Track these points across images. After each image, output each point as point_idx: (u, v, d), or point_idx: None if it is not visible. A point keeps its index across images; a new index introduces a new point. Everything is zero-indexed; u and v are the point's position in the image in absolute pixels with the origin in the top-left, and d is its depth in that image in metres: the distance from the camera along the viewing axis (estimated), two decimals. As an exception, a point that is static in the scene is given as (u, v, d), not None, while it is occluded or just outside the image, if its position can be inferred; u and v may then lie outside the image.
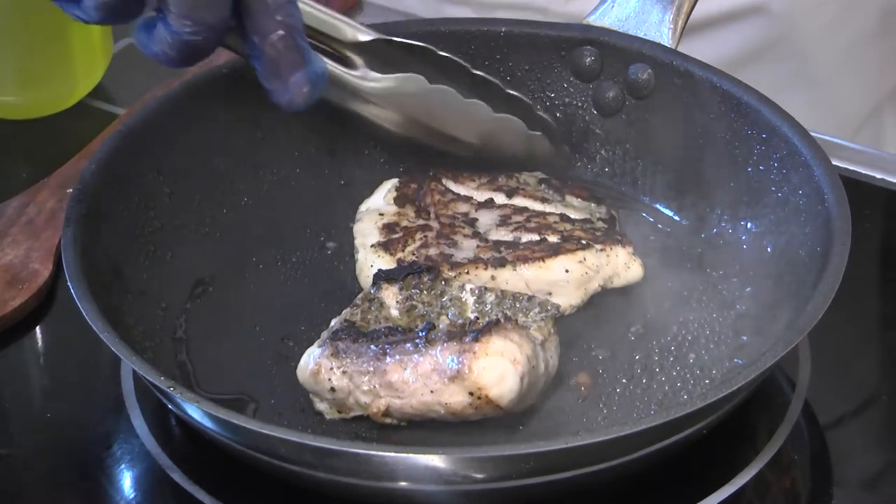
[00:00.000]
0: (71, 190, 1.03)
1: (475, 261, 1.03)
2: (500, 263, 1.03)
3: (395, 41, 1.10)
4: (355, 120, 1.12)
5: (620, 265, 1.05)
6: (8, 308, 1.09)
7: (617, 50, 1.15)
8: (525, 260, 1.03)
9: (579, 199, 1.12)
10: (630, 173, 1.17)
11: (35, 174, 1.23)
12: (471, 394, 0.94)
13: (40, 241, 1.14)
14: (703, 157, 1.12)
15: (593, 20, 1.17)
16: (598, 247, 1.05)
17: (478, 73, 1.13)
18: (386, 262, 1.05)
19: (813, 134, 1.06)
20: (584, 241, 1.05)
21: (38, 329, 1.10)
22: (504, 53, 1.18)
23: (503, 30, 1.18)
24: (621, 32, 1.15)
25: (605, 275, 1.05)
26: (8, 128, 1.33)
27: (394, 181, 1.14)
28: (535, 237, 1.06)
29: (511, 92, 1.14)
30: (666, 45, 1.14)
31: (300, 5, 0.99)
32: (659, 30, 1.14)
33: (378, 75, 1.10)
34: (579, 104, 1.18)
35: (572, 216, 1.09)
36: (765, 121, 1.08)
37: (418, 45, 1.11)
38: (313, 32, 1.07)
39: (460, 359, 0.94)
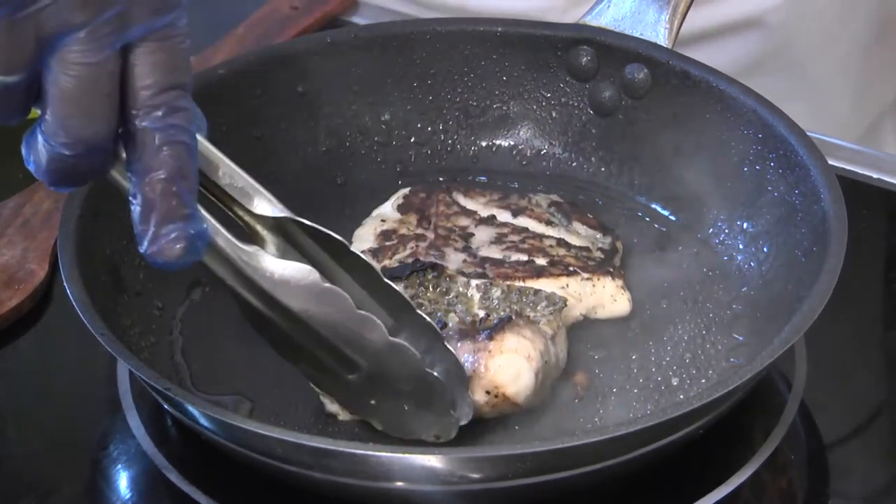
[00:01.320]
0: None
1: (458, 273, 1.02)
2: (481, 279, 1.01)
3: (306, 224, 0.92)
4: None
5: (606, 297, 1.04)
6: (4, 309, 1.08)
7: (613, 50, 1.15)
8: (506, 278, 1.01)
9: (585, 227, 1.10)
10: (627, 173, 1.17)
11: (31, 175, 1.22)
12: (488, 392, 0.94)
13: (37, 242, 1.14)
14: (699, 156, 1.12)
15: (589, 20, 1.16)
16: (585, 275, 1.03)
17: (388, 282, 0.94)
18: None
19: (809, 134, 1.06)
20: (571, 268, 1.03)
21: (34, 330, 1.10)
22: (500, 53, 1.18)
23: (499, 30, 1.18)
24: (617, 32, 1.15)
25: (587, 304, 1.03)
26: (4, 128, 1.33)
27: (406, 189, 1.13)
28: (524, 258, 1.04)
29: (422, 315, 0.94)
30: (662, 45, 1.14)
31: (211, 154, 0.89)
32: (655, 30, 1.14)
33: (270, 258, 0.89)
34: (575, 104, 1.18)
35: (571, 242, 1.07)
36: (761, 120, 1.08)
37: (331, 236, 0.93)
38: (214, 190, 0.91)
39: (475, 358, 0.94)
